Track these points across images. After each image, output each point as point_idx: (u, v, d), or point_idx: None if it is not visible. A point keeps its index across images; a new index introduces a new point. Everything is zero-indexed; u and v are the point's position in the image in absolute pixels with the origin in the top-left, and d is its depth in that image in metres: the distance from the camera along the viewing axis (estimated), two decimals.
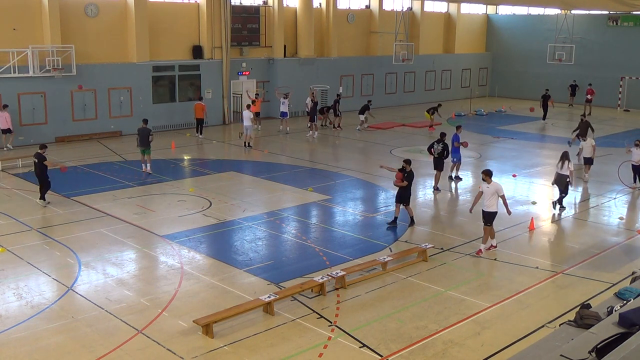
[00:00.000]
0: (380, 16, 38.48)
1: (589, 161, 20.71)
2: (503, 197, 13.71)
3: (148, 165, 20.88)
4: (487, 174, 13.74)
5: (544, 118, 34.28)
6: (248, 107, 26.28)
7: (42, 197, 17.07)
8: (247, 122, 25.55)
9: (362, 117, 30.03)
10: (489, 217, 13.74)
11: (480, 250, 13.74)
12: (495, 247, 13.98)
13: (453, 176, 20.70)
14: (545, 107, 34.40)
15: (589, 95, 36.55)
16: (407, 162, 15.58)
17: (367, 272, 12.53)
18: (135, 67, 28.23)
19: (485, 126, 32.44)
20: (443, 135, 19.69)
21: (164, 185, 19.44)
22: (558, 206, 17.14)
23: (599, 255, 13.96)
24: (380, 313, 10.89)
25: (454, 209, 17.64)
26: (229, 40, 30.78)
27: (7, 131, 24.41)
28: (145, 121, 21.40)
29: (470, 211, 14.40)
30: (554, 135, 30.31)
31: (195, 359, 9.32)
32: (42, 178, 17.01)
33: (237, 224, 15.83)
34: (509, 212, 14.04)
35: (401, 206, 15.67)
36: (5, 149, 24.26)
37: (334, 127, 30.47)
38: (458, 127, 21.01)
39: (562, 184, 16.92)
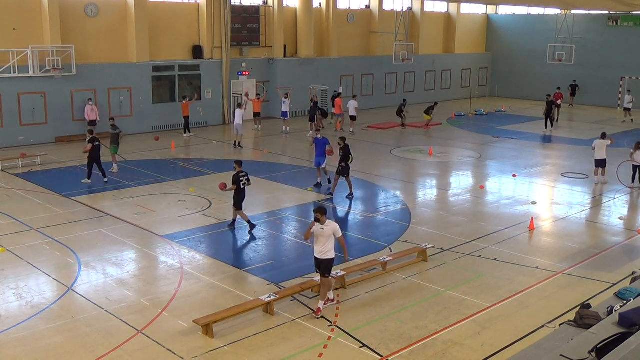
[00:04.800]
0: (380, 16, 38.49)
1: (601, 163, 20.03)
2: (341, 238, 10.97)
3: (115, 164, 21.09)
4: (321, 212, 10.84)
5: (546, 126, 31.03)
6: (239, 105, 26.57)
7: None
8: (238, 121, 25.66)
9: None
10: (326, 267, 10.92)
11: (319, 309, 10.83)
12: (333, 300, 11.24)
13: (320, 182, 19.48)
14: (548, 114, 31.12)
15: (558, 101, 34.34)
16: (238, 163, 15.14)
17: (367, 272, 12.52)
18: (135, 67, 28.24)
19: (485, 126, 32.45)
20: (343, 139, 18.61)
21: (164, 185, 19.44)
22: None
23: (599, 255, 13.96)
24: (380, 313, 10.89)
25: (454, 209, 17.64)
26: (229, 40, 30.78)
27: (93, 123, 25.79)
28: (113, 119, 22.05)
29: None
30: (555, 136, 30.31)
31: (195, 359, 9.33)
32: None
33: (237, 224, 15.81)
34: (345, 259, 11.41)
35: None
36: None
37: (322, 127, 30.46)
38: (318, 131, 20.50)
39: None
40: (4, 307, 10.94)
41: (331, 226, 10.92)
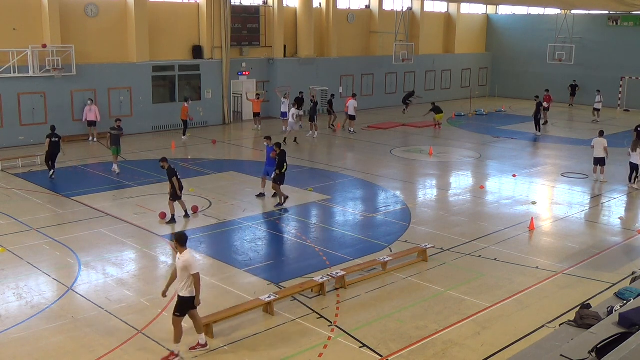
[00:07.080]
0: (380, 16, 38.48)
1: (600, 162, 20.40)
2: (195, 276, 9.06)
3: (115, 165, 21.03)
4: (179, 240, 9.16)
5: (536, 127, 29.98)
6: (298, 107, 28.11)
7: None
8: (291, 119, 26.36)
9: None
10: (183, 305, 9.21)
11: (199, 343, 9.53)
12: (205, 346, 9.52)
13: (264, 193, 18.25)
14: (537, 116, 29.74)
15: (545, 103, 32.39)
16: (164, 160, 15.87)
17: (367, 272, 12.52)
18: (135, 67, 28.23)
19: (485, 126, 32.44)
20: (279, 145, 17.68)
21: (164, 185, 19.39)
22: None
23: (599, 255, 13.96)
24: (380, 313, 10.89)
25: (454, 209, 17.64)
26: (229, 40, 30.78)
27: (92, 123, 26.41)
28: (120, 120, 21.94)
29: (164, 295, 9.65)
30: (555, 136, 30.30)
31: (196, 359, 9.33)
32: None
33: (237, 224, 15.82)
34: (196, 303, 9.27)
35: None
36: (92, 141, 26.38)
37: (329, 126, 30.83)
38: (268, 138, 18.54)
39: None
40: (4, 307, 10.94)
41: (183, 258, 9.05)
